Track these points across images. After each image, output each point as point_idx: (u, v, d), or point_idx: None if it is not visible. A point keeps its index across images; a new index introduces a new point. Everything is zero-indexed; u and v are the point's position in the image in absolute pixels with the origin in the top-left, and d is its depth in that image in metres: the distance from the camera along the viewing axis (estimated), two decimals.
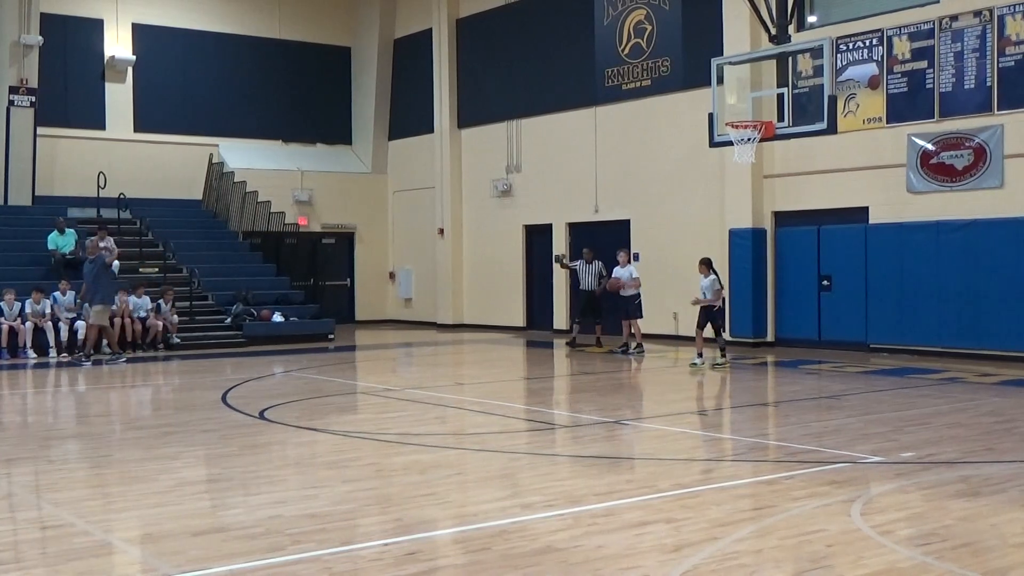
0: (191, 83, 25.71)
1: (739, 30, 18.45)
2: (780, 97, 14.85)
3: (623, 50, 21.22)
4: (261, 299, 21.80)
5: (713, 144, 15.48)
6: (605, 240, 20.58)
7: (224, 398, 12.54)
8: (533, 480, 7.75)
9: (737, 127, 14.47)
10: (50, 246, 20.52)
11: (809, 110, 15.85)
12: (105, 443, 9.99)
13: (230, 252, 24.14)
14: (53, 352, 18.17)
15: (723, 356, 15.45)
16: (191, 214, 25.15)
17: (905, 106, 16.81)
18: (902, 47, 16.83)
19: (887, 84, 17.03)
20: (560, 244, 22.78)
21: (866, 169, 17.40)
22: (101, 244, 20.59)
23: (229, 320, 20.93)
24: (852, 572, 5.26)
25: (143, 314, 19.26)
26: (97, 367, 16.71)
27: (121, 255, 21.16)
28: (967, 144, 16.06)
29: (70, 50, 24.08)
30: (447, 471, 8.17)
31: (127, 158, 24.46)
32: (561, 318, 22.57)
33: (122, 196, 22.68)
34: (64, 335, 18.34)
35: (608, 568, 5.37)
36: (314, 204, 26.79)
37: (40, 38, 22.63)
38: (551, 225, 23.23)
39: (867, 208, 17.48)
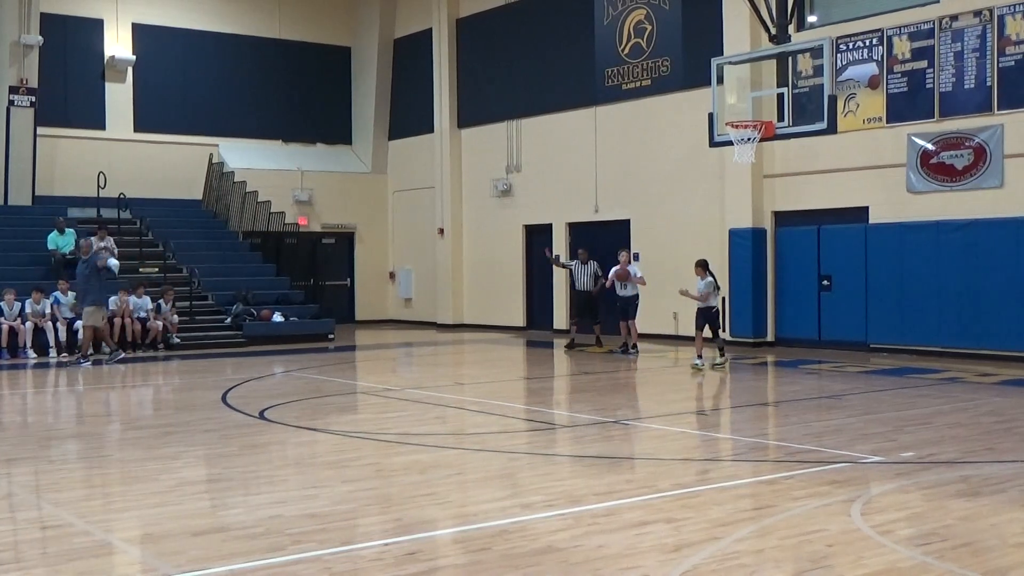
0: (191, 83, 25.72)
1: (739, 30, 18.45)
2: (780, 97, 14.87)
3: (623, 50, 21.22)
4: (261, 299, 21.80)
5: (713, 144, 15.49)
6: (605, 240, 20.59)
7: (224, 398, 12.54)
8: (533, 480, 7.75)
9: (737, 127, 14.48)
10: (50, 246, 20.52)
11: (809, 110, 15.86)
12: (105, 443, 10.00)
13: (230, 252, 24.14)
14: (53, 352, 18.17)
15: (722, 356, 15.44)
16: (191, 214, 25.15)
17: (905, 106, 16.81)
18: (902, 47, 16.84)
19: (887, 84, 17.03)
20: (560, 244, 22.78)
21: (866, 169, 17.41)
22: (101, 244, 20.62)
23: (229, 320, 20.94)
24: (852, 572, 5.26)
25: (143, 314, 19.26)
26: (97, 367, 16.71)
27: (121, 255, 21.19)
28: (967, 144, 16.07)
29: (70, 50, 24.08)
30: (447, 471, 8.16)
31: (127, 158, 24.46)
32: (561, 318, 22.56)
33: (122, 196, 22.70)
34: (64, 335, 18.34)
35: (608, 568, 5.37)
36: (314, 204, 26.79)
37: (40, 38, 22.63)
38: (551, 225, 23.24)
39: (867, 208, 17.48)
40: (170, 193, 25.07)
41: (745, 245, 18.78)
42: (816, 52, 16.47)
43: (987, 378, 13.81)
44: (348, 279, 27.60)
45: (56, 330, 18.33)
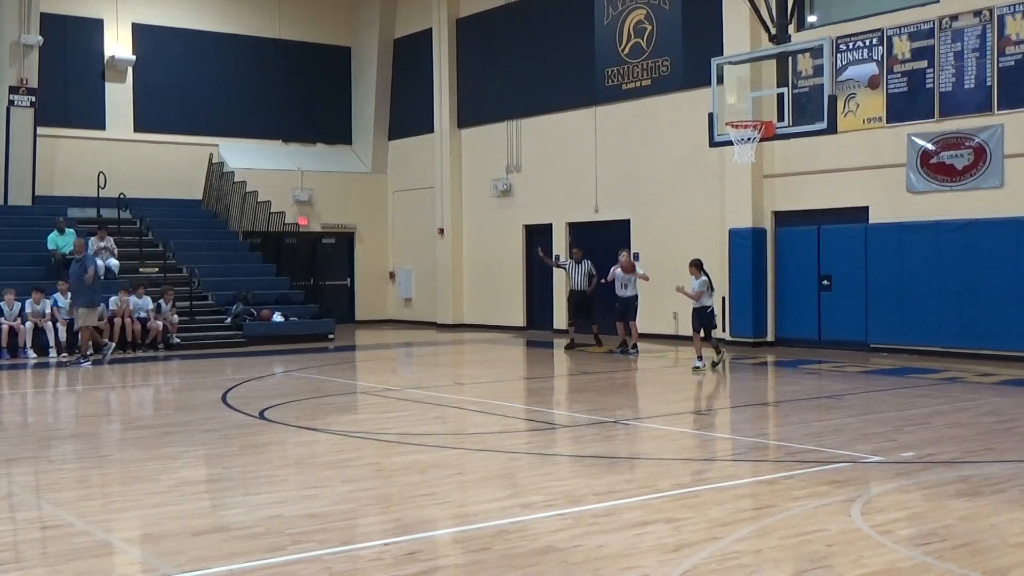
0: (191, 83, 25.71)
1: (739, 30, 18.45)
2: (780, 97, 14.87)
3: (623, 50, 21.22)
4: (261, 299, 21.81)
5: (713, 144, 15.50)
6: (605, 240, 20.59)
7: (224, 398, 12.55)
8: (533, 480, 7.75)
9: (737, 127, 14.49)
10: (50, 246, 20.51)
11: (809, 110, 15.86)
12: (105, 443, 10.00)
13: (230, 252, 24.14)
14: (53, 352, 18.17)
15: (718, 354, 15.36)
16: (191, 214, 25.15)
17: (905, 106, 16.81)
18: (902, 47, 16.84)
19: (887, 84, 17.03)
20: (560, 244, 22.78)
21: (866, 169, 17.41)
22: (101, 244, 20.64)
23: (229, 320, 20.94)
24: (852, 572, 5.26)
25: (143, 314, 19.26)
26: (98, 366, 16.71)
27: (121, 255, 21.22)
28: (967, 144, 16.07)
29: (70, 50, 24.08)
30: (447, 471, 8.17)
31: (127, 158, 24.46)
32: (561, 318, 22.53)
33: (122, 196, 22.70)
34: (64, 335, 18.33)
35: (608, 568, 5.37)
36: (314, 204, 26.79)
37: (40, 38, 22.62)
38: (551, 225, 23.24)
39: (867, 208, 17.48)
40: (170, 193, 25.07)
41: (745, 245, 18.78)
42: (816, 52, 16.47)
43: (987, 378, 13.81)
44: (348, 279, 27.60)
45: (56, 330, 18.32)
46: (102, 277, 19.88)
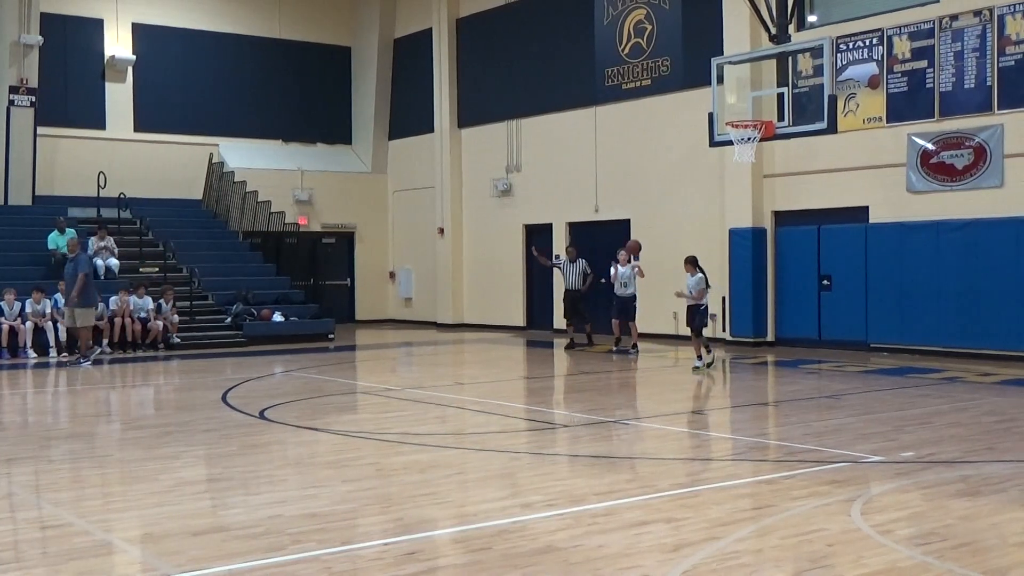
0: (191, 83, 25.71)
1: (739, 30, 18.45)
2: (780, 97, 14.86)
3: (623, 50, 21.22)
4: (261, 299, 21.81)
5: (713, 144, 15.49)
6: (605, 240, 20.57)
7: (224, 398, 12.55)
8: (533, 480, 7.75)
9: (737, 127, 14.48)
10: (50, 246, 20.51)
11: (809, 110, 15.86)
12: (105, 443, 10.01)
13: (230, 252, 24.14)
14: (53, 352, 18.17)
15: (708, 352, 15.25)
16: (191, 214, 25.15)
17: (905, 106, 16.81)
18: (902, 47, 16.83)
19: (887, 84, 17.03)
20: (560, 244, 22.77)
21: (866, 169, 17.41)
22: (101, 243, 20.65)
23: (229, 320, 20.94)
24: (852, 572, 5.26)
25: (144, 314, 19.25)
26: (98, 366, 16.71)
27: (121, 255, 21.23)
28: (967, 144, 16.06)
29: (70, 50, 24.08)
30: (447, 471, 8.17)
31: (127, 158, 24.45)
32: (561, 318, 22.53)
33: (122, 196, 22.70)
34: (64, 335, 18.33)
35: (608, 568, 5.37)
36: (314, 204, 26.79)
37: (40, 38, 22.63)
38: (551, 225, 23.24)
39: (867, 208, 17.48)
40: (170, 193, 25.06)
41: (745, 245, 18.78)
42: (816, 52, 16.47)
43: (987, 378, 13.80)
44: (348, 279, 27.60)
45: (56, 330, 18.32)
46: (102, 277, 19.94)
